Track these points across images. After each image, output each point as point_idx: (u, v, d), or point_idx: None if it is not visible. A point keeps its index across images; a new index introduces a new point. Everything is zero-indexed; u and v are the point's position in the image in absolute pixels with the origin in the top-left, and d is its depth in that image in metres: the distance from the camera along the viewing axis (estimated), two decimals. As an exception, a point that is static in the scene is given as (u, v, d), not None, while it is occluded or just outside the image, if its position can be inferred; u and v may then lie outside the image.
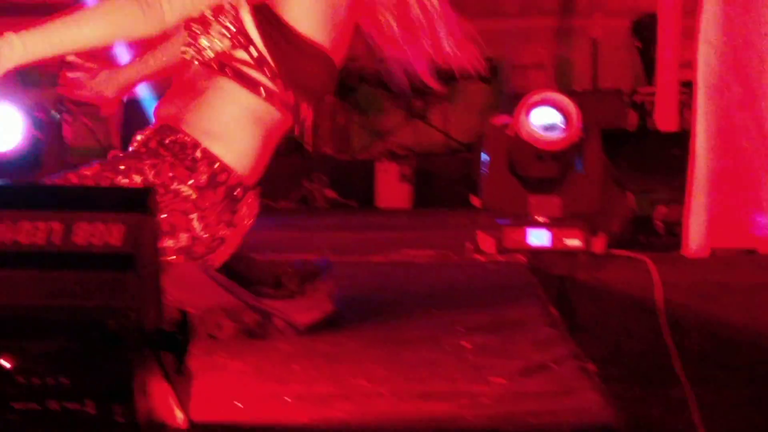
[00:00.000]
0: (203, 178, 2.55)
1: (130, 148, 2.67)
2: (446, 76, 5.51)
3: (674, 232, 4.96)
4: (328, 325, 3.01)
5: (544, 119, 4.52)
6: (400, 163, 7.25)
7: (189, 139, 2.56)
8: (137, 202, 1.67)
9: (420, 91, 3.66)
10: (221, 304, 2.81)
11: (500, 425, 1.96)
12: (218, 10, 2.63)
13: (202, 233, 2.58)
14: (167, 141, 2.58)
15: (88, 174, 2.53)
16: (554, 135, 4.48)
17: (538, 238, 4.67)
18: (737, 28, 4.77)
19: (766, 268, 4.64)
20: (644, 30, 7.88)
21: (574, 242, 4.65)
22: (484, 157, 4.85)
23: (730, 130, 4.71)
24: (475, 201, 5.43)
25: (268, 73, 2.61)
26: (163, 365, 1.71)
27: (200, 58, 2.67)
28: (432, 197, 7.16)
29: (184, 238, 2.58)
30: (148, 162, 2.54)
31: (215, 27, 2.65)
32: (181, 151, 2.58)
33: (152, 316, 1.69)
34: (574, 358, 2.61)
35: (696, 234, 4.73)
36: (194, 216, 2.57)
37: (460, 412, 2.05)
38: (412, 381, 2.38)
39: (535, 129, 4.47)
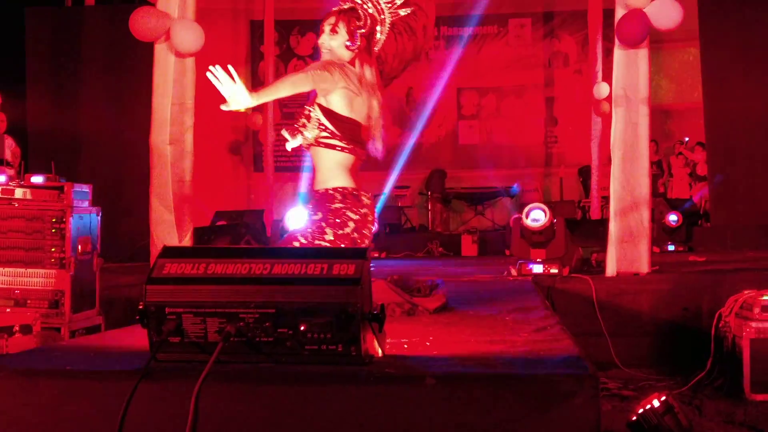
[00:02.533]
0: (339, 196, 3.73)
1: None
2: (490, 194, 10.90)
3: (601, 265, 7.13)
4: (443, 309, 4.36)
5: (536, 216, 6.96)
6: (472, 234, 11.81)
7: (325, 189, 3.78)
8: (361, 253, 2.63)
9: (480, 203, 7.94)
10: (395, 300, 4.14)
11: (525, 355, 2.85)
12: (304, 116, 3.81)
13: (350, 214, 3.71)
14: (318, 194, 3.80)
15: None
16: (539, 223, 6.91)
17: (537, 268, 6.92)
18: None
19: (642, 281, 6.68)
20: (583, 174, 13.75)
21: (554, 270, 6.86)
22: (512, 232, 7.44)
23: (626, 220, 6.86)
24: (508, 252, 8.98)
25: (337, 138, 3.75)
26: (372, 328, 2.59)
27: (309, 143, 3.84)
28: (487, 250, 11.66)
29: (350, 223, 3.72)
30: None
31: (309, 125, 3.80)
32: (325, 195, 3.77)
33: (367, 305, 2.52)
34: (558, 324, 3.70)
35: (611, 265, 6.90)
36: (340, 206, 3.72)
37: (506, 348, 3.03)
38: (483, 335, 3.42)
39: (529, 221, 6.96)
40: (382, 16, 3.89)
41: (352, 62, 3.84)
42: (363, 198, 3.79)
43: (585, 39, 14.41)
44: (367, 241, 3.81)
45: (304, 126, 3.81)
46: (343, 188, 3.74)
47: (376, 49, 3.92)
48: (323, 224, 3.69)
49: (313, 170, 3.88)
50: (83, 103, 11.39)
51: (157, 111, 7.28)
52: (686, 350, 6.16)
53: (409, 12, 3.89)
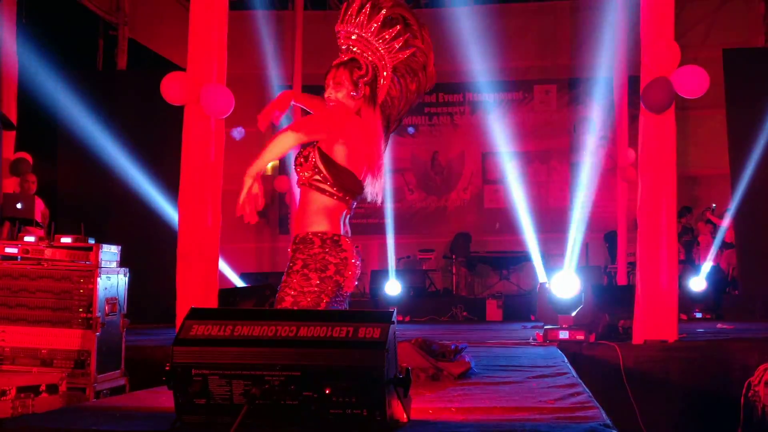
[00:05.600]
0: (318, 241, 3.70)
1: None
2: (515, 259, 10.87)
3: (628, 332, 7.19)
4: (468, 374, 4.51)
5: (563, 283, 7.25)
6: (497, 299, 12.10)
7: (306, 233, 3.74)
8: (386, 317, 2.65)
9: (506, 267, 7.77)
10: (420, 364, 4.34)
11: (551, 422, 2.87)
12: (302, 155, 3.83)
13: (329, 258, 3.67)
14: (299, 238, 3.75)
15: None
16: (567, 290, 7.18)
17: (563, 334, 6.98)
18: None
19: (669, 348, 6.67)
20: (609, 239, 13.49)
21: (580, 337, 6.92)
22: (538, 298, 7.87)
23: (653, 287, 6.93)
24: (533, 317, 9.30)
25: (329, 184, 3.76)
26: (398, 393, 2.65)
27: (302, 182, 3.85)
28: (512, 315, 11.77)
29: (330, 266, 3.68)
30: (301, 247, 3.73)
31: (306, 166, 3.80)
32: (304, 240, 3.73)
33: (392, 369, 2.57)
34: (584, 391, 3.84)
35: (638, 333, 6.94)
36: (319, 251, 3.68)
37: (532, 415, 3.12)
38: (509, 401, 3.51)
39: (556, 287, 7.26)
40: (383, 62, 3.90)
41: (356, 110, 3.85)
42: (342, 243, 3.75)
43: (610, 105, 14.46)
44: (351, 283, 3.77)
45: (301, 165, 3.84)
46: (323, 233, 3.71)
47: (386, 92, 3.91)
48: (306, 271, 3.65)
49: (299, 211, 3.87)
50: (113, 164, 11.45)
51: (185, 173, 7.37)
52: (714, 419, 6.09)
53: (409, 55, 3.91)
